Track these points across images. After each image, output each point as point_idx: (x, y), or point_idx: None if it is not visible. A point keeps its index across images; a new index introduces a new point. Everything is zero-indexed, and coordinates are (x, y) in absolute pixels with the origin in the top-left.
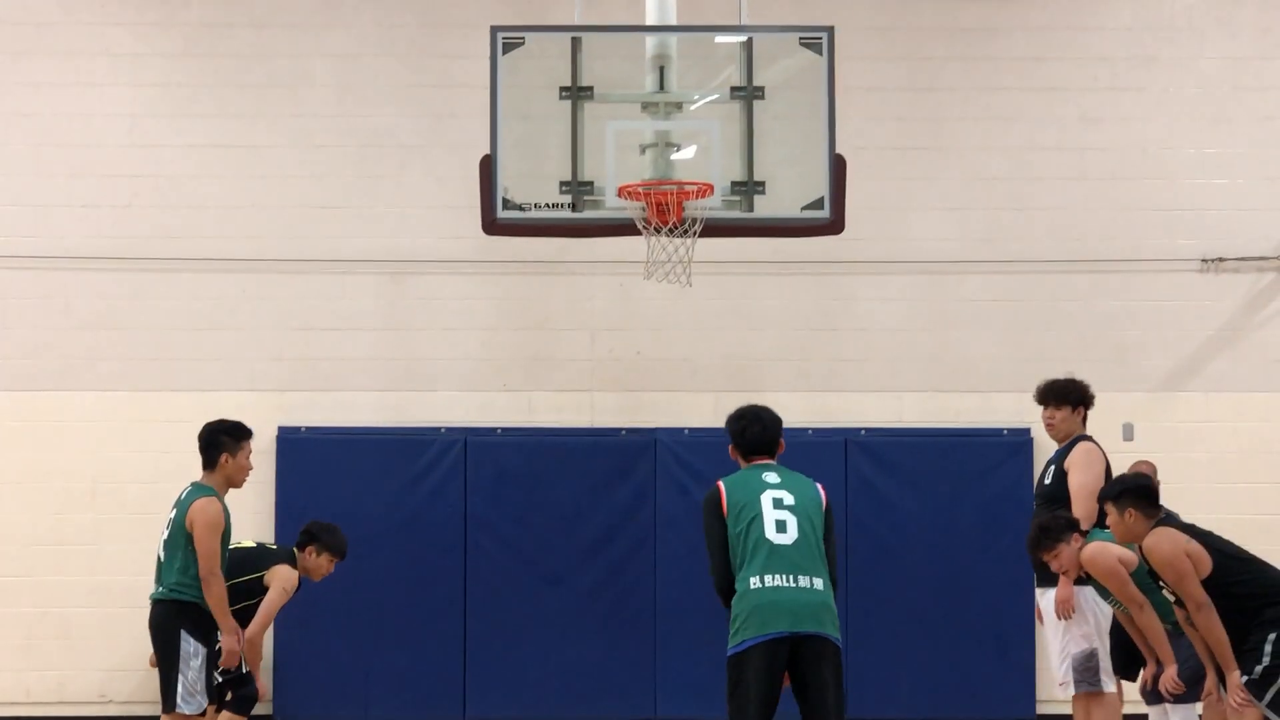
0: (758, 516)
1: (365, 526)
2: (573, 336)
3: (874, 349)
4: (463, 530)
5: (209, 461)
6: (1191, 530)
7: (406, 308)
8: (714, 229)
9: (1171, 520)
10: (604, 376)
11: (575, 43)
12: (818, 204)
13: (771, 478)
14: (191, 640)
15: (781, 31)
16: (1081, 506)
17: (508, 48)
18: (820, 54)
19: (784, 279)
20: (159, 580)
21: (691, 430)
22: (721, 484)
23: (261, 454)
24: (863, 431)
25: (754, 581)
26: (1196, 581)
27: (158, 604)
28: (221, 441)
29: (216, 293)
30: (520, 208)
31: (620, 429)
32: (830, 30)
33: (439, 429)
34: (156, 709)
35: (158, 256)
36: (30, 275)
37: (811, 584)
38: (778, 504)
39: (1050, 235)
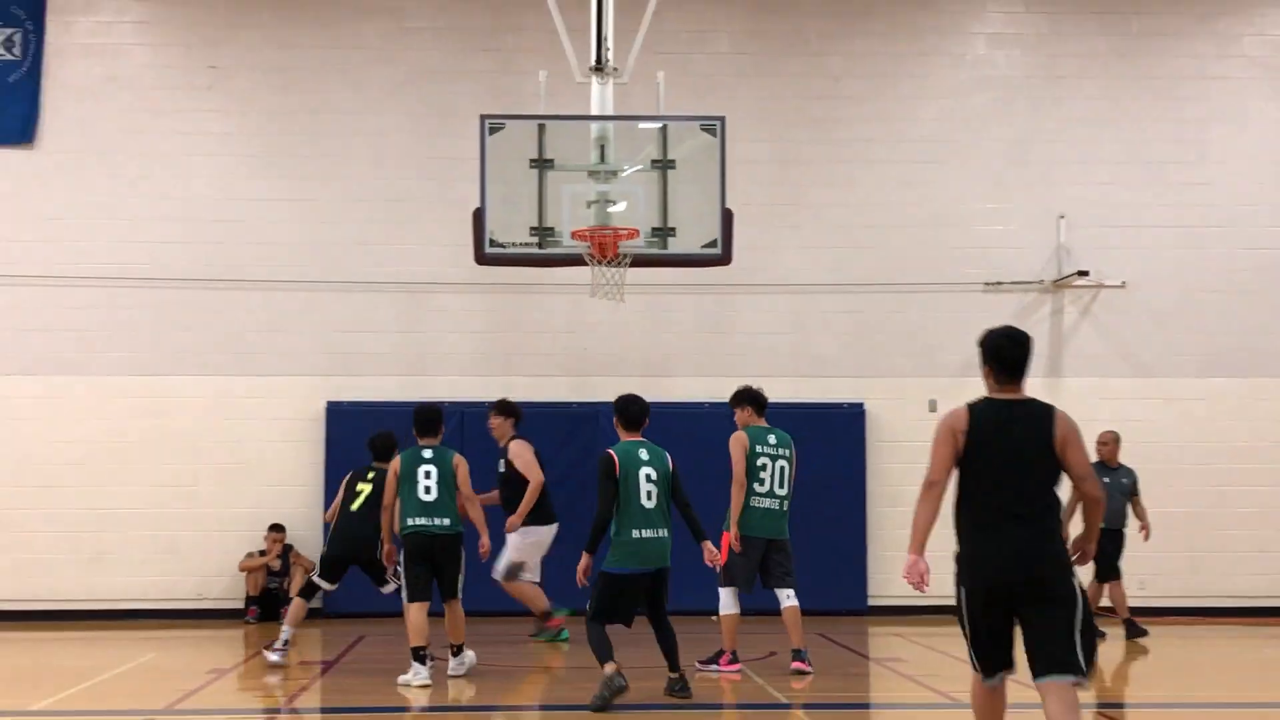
0: (637, 486)
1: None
2: (539, 338)
3: (752, 347)
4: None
5: (435, 430)
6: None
7: (420, 316)
8: (639, 261)
9: None
10: (562, 366)
11: (541, 128)
12: (713, 244)
13: (644, 454)
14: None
15: (687, 120)
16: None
17: (492, 130)
18: (715, 136)
19: (688, 297)
20: (440, 514)
21: None
22: (614, 453)
23: (315, 420)
24: None
25: (635, 532)
26: None
27: (450, 535)
28: (441, 417)
29: (282, 305)
30: (502, 246)
31: (573, 403)
32: (722, 119)
33: (444, 403)
34: (236, 604)
35: (240, 279)
36: (145, 291)
37: (660, 534)
38: (648, 479)
39: (879, 265)
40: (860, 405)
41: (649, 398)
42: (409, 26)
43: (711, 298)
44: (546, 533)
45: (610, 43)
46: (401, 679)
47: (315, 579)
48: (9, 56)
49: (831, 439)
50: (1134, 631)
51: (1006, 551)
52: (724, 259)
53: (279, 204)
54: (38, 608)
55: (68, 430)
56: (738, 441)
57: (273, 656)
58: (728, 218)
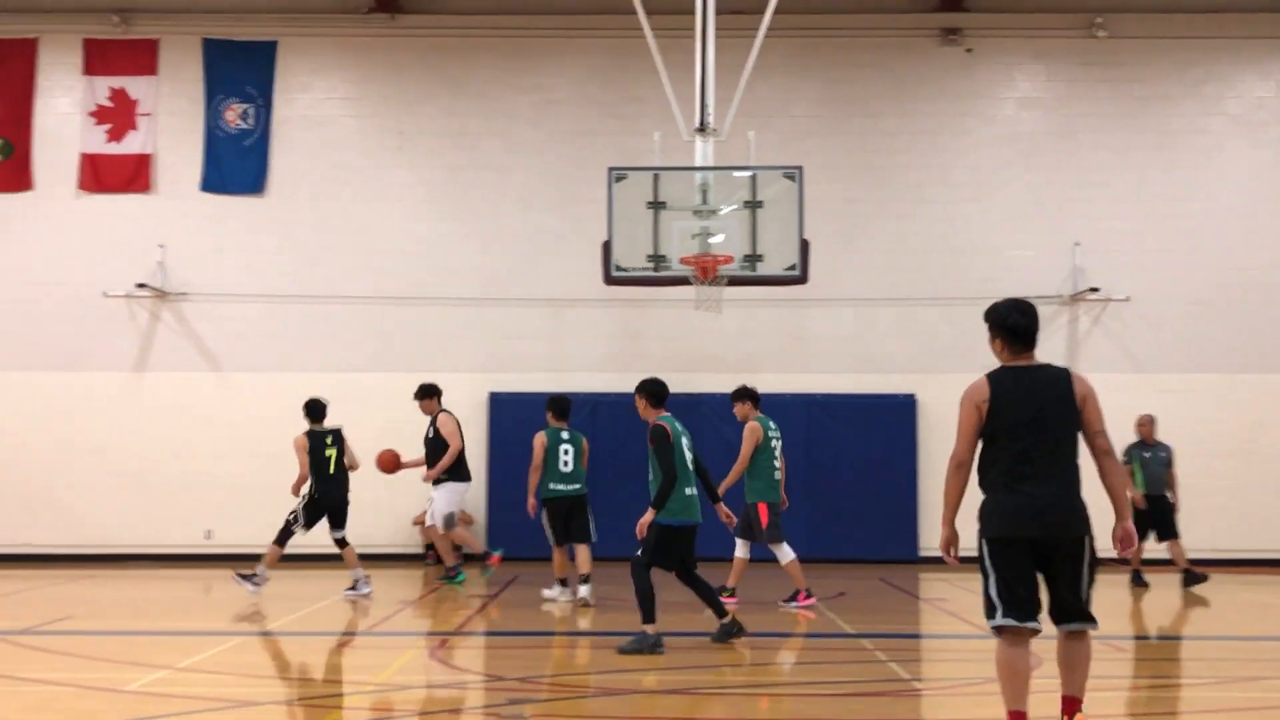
0: (682, 451)
1: None
2: (654, 342)
3: (823, 349)
4: (592, 452)
5: (568, 415)
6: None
7: (561, 325)
8: (733, 281)
9: None
10: (671, 364)
11: (656, 177)
12: (793, 267)
13: (679, 424)
14: None
15: (771, 169)
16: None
17: (618, 179)
18: (794, 181)
19: (772, 309)
20: (574, 481)
21: (721, 393)
22: (665, 424)
23: (479, 407)
24: (818, 396)
25: (686, 490)
26: None
27: (581, 496)
28: (570, 405)
29: (454, 317)
30: (625, 270)
31: (680, 394)
32: (800, 169)
33: (580, 394)
34: (416, 550)
35: (421, 296)
36: (347, 306)
37: (696, 492)
38: (688, 446)
39: (926, 283)
40: (912, 396)
41: None
42: (553, 99)
43: (790, 310)
44: (464, 488)
45: (711, 109)
46: (546, 593)
47: (294, 526)
48: (245, 125)
49: (888, 423)
50: (1192, 580)
51: (1034, 506)
52: (801, 279)
53: (451, 238)
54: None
55: (285, 414)
56: (753, 431)
57: (249, 587)
58: (805, 246)
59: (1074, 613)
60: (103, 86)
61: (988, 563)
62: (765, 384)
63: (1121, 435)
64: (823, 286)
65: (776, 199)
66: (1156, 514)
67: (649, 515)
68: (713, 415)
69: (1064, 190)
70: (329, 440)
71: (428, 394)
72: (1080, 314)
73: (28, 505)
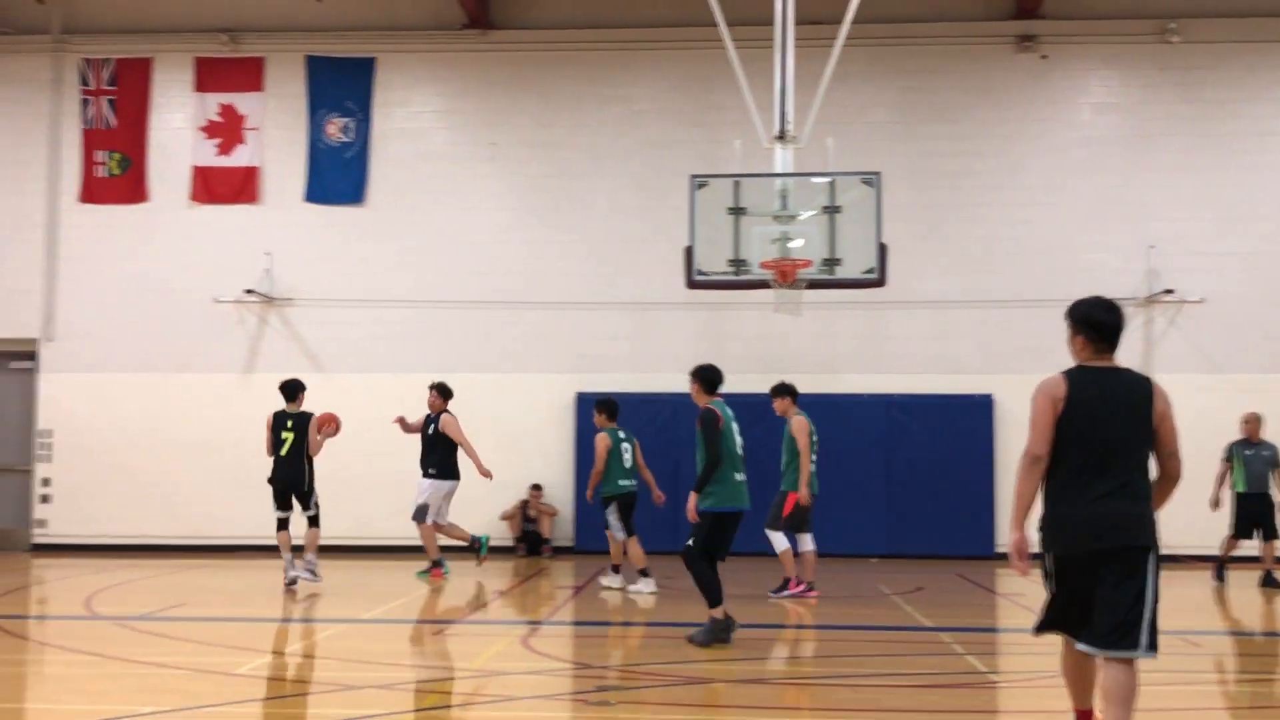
0: (732, 436)
1: None
2: (735, 343)
3: (900, 350)
4: (673, 450)
5: (616, 414)
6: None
7: (645, 327)
8: (813, 285)
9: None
10: (752, 365)
11: (736, 183)
12: (871, 271)
13: (729, 412)
14: None
15: (850, 175)
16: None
17: (699, 186)
18: (872, 186)
19: (850, 311)
20: (637, 477)
21: (801, 394)
22: (715, 408)
23: (567, 407)
24: (896, 396)
25: (735, 475)
26: None
27: (637, 492)
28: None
29: (544, 320)
30: (706, 274)
31: (760, 394)
32: (878, 174)
33: (663, 394)
34: (509, 542)
35: (513, 300)
36: (443, 310)
37: (745, 478)
38: (738, 432)
39: (1003, 285)
40: (989, 396)
41: (820, 392)
42: (637, 109)
43: (869, 312)
44: (452, 485)
45: (790, 117)
46: (605, 581)
47: (277, 513)
48: (345, 139)
49: (965, 422)
50: (1271, 582)
51: (1096, 518)
52: (880, 282)
53: (540, 245)
54: (369, 543)
55: (384, 413)
56: (801, 428)
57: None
58: (883, 250)
59: (1117, 636)
60: (213, 103)
61: (1050, 577)
62: (844, 385)
63: (1199, 438)
64: (901, 289)
65: (855, 204)
66: (1260, 512)
67: (693, 499)
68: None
69: (1139, 193)
70: (289, 423)
71: (445, 393)
72: (1155, 316)
73: (144, 499)
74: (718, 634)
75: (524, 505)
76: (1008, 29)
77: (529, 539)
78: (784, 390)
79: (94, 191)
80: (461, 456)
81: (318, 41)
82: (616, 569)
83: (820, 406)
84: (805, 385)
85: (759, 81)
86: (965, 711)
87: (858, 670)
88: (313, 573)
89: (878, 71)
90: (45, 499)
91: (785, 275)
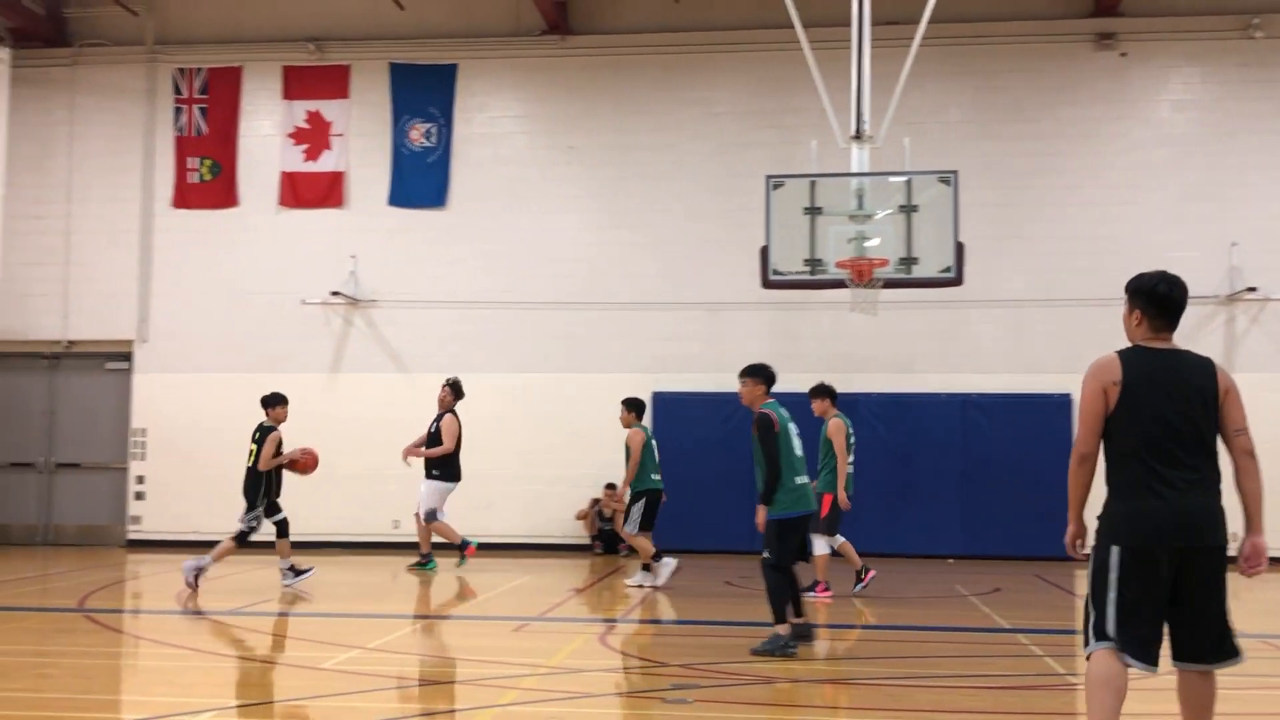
0: (790, 439)
1: (700, 441)
2: (810, 343)
3: (977, 350)
4: (750, 449)
5: (643, 413)
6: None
7: (720, 327)
8: (889, 284)
9: None
10: (828, 365)
11: (812, 184)
12: (948, 270)
13: (784, 412)
14: None
15: (926, 174)
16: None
17: (775, 187)
18: (948, 185)
19: (927, 311)
20: (659, 472)
21: (876, 393)
22: (770, 412)
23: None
24: (973, 396)
25: (796, 479)
26: None
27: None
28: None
29: (619, 320)
30: (782, 274)
31: (840, 393)
32: (954, 173)
33: (736, 393)
34: (584, 540)
35: (589, 301)
36: (521, 311)
37: (807, 480)
38: (795, 435)
39: (1081, 284)
40: (1067, 395)
41: (896, 391)
42: (715, 111)
43: (945, 311)
44: (452, 487)
45: (866, 117)
46: (637, 579)
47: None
48: (428, 144)
49: (1042, 422)
50: None
51: (1176, 513)
52: (957, 281)
53: (617, 246)
54: (446, 541)
55: (465, 414)
56: (839, 429)
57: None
58: (960, 249)
59: (1204, 647)
60: (300, 110)
61: (1112, 574)
62: (920, 384)
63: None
64: (977, 288)
65: (931, 203)
66: None
67: (761, 511)
68: (870, 415)
69: (1220, 190)
70: (255, 434)
71: (458, 392)
72: (1238, 314)
73: (234, 496)
74: (780, 648)
75: (596, 504)
76: (1086, 26)
77: (605, 537)
78: (823, 391)
79: (186, 197)
80: (444, 458)
81: (401, 49)
82: (647, 568)
83: (895, 406)
84: (880, 384)
85: (835, 82)
86: (1043, 714)
87: (934, 671)
88: (295, 570)
89: (954, 71)
90: (139, 496)
91: (861, 274)
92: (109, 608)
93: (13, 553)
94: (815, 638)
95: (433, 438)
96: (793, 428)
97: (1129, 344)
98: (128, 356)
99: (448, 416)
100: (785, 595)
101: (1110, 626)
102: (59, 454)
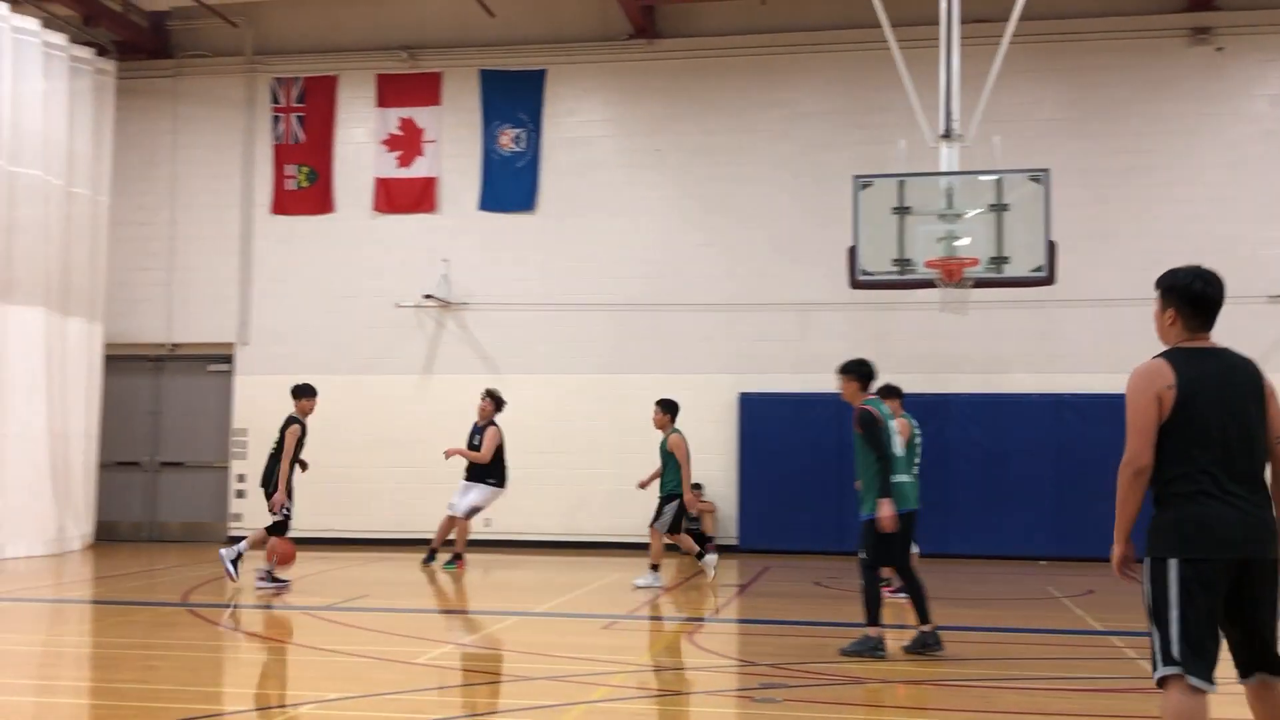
0: (889, 436)
1: (787, 442)
2: (899, 344)
3: (1070, 350)
4: (838, 450)
5: (675, 414)
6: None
7: (807, 328)
8: (979, 283)
9: None
10: (917, 366)
11: (901, 183)
12: (1039, 269)
13: (885, 409)
14: None
15: (1017, 173)
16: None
17: (863, 187)
18: (1040, 184)
19: (1017, 310)
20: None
21: (967, 394)
22: (874, 409)
23: (730, 407)
24: (1067, 396)
25: (894, 476)
26: None
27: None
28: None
29: (707, 321)
30: (870, 274)
31: (926, 394)
32: (1046, 171)
33: (825, 394)
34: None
35: (677, 303)
36: (610, 312)
37: (908, 479)
38: (895, 432)
39: None
40: None
41: (986, 392)
42: (801, 112)
43: (1037, 311)
44: (498, 492)
45: (956, 115)
46: (645, 580)
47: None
48: (517, 149)
49: None
50: None
51: (1237, 520)
52: (1049, 280)
53: (704, 247)
54: (539, 539)
55: (555, 413)
56: (904, 430)
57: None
58: (1052, 248)
59: (1269, 657)
60: (393, 117)
61: (1173, 592)
62: (1011, 384)
63: None
64: (1070, 287)
65: (1022, 201)
66: None
67: (885, 506)
68: (961, 416)
69: None
70: (282, 425)
71: (499, 403)
72: None
73: (331, 494)
74: (870, 650)
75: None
76: (1181, 21)
77: (693, 537)
78: (891, 391)
79: (284, 203)
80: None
81: (491, 56)
82: (655, 569)
83: (986, 406)
84: (971, 385)
85: (923, 81)
86: (1136, 718)
87: (1024, 673)
88: (269, 577)
89: (1045, 68)
90: (240, 494)
91: (951, 274)
92: (211, 602)
93: (120, 549)
94: (941, 647)
95: (476, 448)
96: (893, 425)
97: (1165, 346)
98: (229, 359)
99: (491, 428)
100: (879, 598)
101: (1175, 648)
102: (164, 453)
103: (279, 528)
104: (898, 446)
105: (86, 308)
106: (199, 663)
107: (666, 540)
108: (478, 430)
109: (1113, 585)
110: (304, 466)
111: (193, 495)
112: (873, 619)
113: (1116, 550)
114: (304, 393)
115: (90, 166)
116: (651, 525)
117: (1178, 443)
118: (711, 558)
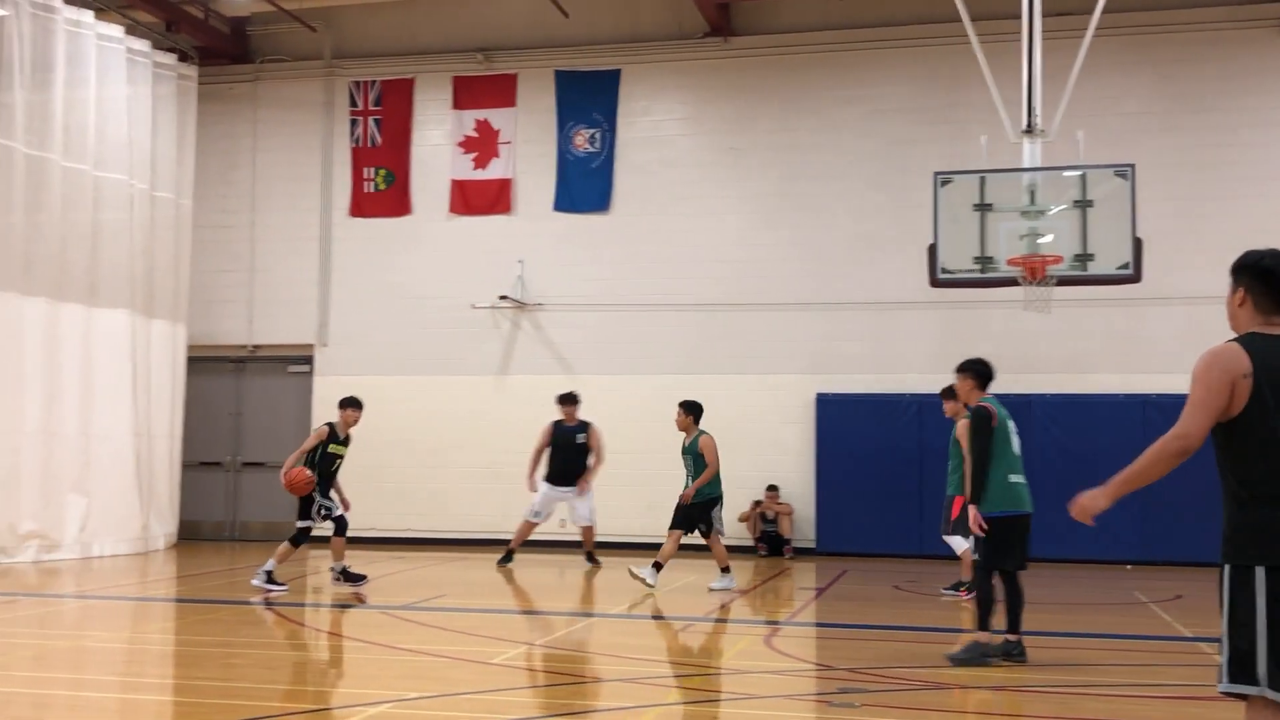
0: (1008, 435)
1: (865, 443)
2: (980, 343)
3: (1156, 349)
4: (918, 452)
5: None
6: None
7: (886, 327)
8: (1063, 281)
9: None
10: (998, 365)
11: (982, 179)
12: (1125, 266)
13: (1003, 409)
14: None
15: (1102, 168)
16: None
17: (944, 183)
18: (1126, 179)
19: (1102, 308)
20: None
21: (1050, 394)
22: (991, 407)
23: (807, 407)
24: (1152, 396)
25: (1011, 476)
26: None
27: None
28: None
29: (784, 320)
30: (951, 272)
31: (1008, 394)
32: (1132, 166)
33: (904, 395)
34: (749, 542)
35: (754, 302)
36: (686, 312)
37: (1025, 480)
38: (1014, 432)
39: None
40: None
41: (1070, 392)
42: (882, 109)
43: (1122, 308)
44: (566, 492)
45: (1038, 110)
46: (641, 572)
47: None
48: (592, 149)
49: None
50: None
51: None
52: (1135, 278)
53: (782, 246)
54: (620, 540)
55: (631, 412)
56: (968, 430)
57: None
58: (1138, 245)
59: None
60: (469, 119)
61: (1260, 599)
62: (1096, 384)
63: None
64: (1155, 284)
65: (1107, 198)
66: None
67: (973, 512)
68: (1044, 416)
69: None
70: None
71: (576, 402)
72: None
73: (408, 494)
74: (979, 657)
75: (758, 506)
76: (1270, 11)
77: (770, 539)
78: (955, 392)
79: (362, 206)
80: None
81: (566, 56)
82: (726, 570)
83: (1070, 407)
84: (1054, 385)
85: (1005, 76)
86: None
87: (1108, 680)
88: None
89: (1130, 61)
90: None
91: (1034, 272)
92: (291, 601)
93: (202, 547)
94: (1025, 658)
95: (579, 449)
96: (1012, 425)
97: (1235, 333)
98: (309, 360)
99: (594, 429)
100: (991, 601)
101: (1262, 665)
102: (245, 453)
103: (303, 534)
104: (1015, 446)
105: (170, 310)
106: (278, 661)
107: (673, 538)
108: (577, 432)
109: (1202, 590)
110: (315, 471)
111: (274, 495)
112: (983, 624)
113: (1103, 500)
114: (346, 404)
115: (173, 170)
116: (707, 536)
117: (1258, 437)
118: (728, 581)
